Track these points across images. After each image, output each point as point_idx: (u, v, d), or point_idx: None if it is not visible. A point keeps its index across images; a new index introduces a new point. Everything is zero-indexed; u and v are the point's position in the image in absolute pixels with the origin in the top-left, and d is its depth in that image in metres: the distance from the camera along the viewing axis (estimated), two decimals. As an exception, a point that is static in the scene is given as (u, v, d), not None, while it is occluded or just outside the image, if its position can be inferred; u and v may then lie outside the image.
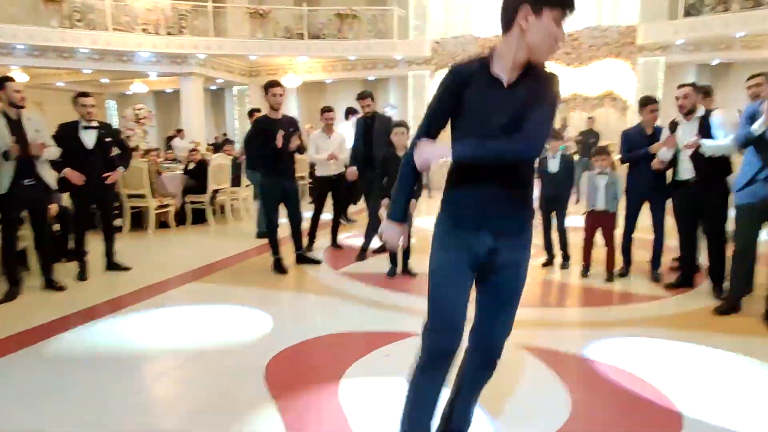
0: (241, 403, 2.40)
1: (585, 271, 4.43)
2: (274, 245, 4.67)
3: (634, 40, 11.72)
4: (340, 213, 5.75)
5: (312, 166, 5.99)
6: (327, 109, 5.63)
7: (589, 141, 9.94)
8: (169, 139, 13.06)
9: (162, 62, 12.13)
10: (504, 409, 2.32)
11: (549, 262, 4.77)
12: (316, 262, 4.96)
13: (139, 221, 6.86)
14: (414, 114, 13.45)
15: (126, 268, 4.77)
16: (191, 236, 6.70)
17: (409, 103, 13.65)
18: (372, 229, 5.20)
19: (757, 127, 3.15)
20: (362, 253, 5.09)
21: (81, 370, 2.77)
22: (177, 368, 2.86)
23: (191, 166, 7.51)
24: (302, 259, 4.93)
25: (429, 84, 13.36)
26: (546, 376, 2.63)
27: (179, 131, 12.73)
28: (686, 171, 3.83)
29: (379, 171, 4.51)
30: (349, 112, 7.46)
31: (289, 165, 4.63)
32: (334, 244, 5.63)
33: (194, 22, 12.01)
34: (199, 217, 7.39)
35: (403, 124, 4.54)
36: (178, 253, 5.67)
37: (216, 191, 7.35)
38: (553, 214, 4.66)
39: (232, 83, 14.81)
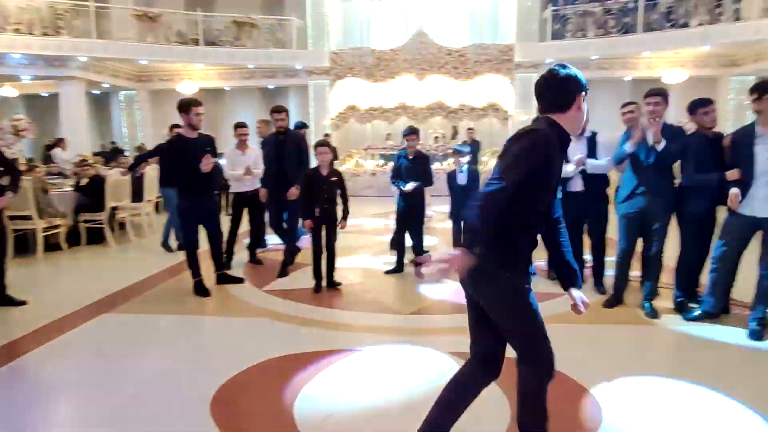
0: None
1: None
2: (195, 267, 4.44)
3: (511, 57, 12.92)
4: (257, 229, 5.63)
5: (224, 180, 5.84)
6: (241, 125, 5.42)
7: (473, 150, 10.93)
8: (48, 148, 11.71)
9: (37, 65, 10.90)
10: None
11: None
12: (239, 280, 4.80)
13: (23, 245, 6.15)
14: (315, 123, 13.53)
15: (20, 303, 4.24)
16: (90, 259, 6.14)
17: (310, 111, 13.69)
18: (291, 251, 5.23)
19: (628, 148, 3.73)
20: (283, 270, 5.05)
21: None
22: (106, 420, 2.51)
23: (84, 181, 6.91)
24: (224, 278, 4.74)
25: (329, 93, 13.51)
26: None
27: (60, 140, 11.46)
28: (577, 184, 4.38)
29: (302, 190, 4.51)
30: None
31: (206, 184, 4.45)
32: (253, 259, 5.55)
33: (73, 22, 10.94)
34: (95, 237, 6.82)
35: (326, 144, 4.54)
36: (79, 280, 5.18)
37: (115, 208, 6.84)
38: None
39: (118, 88, 13.68)
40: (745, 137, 3.39)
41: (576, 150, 4.35)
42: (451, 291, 4.40)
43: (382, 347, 3.33)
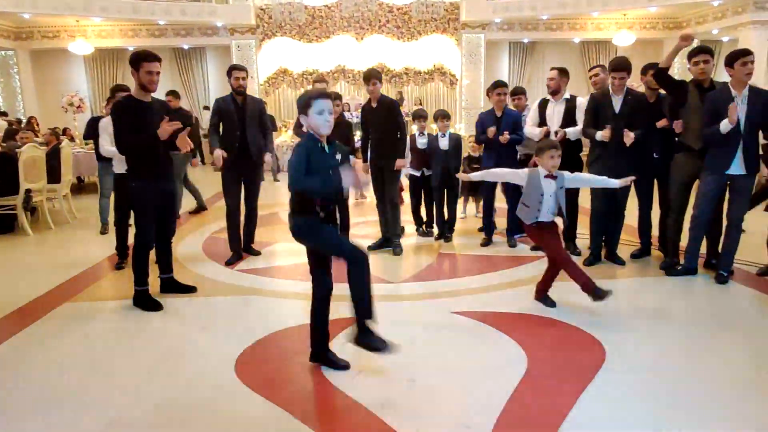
0: (216, 402, 2.67)
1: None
2: (142, 272, 3.97)
3: (458, 16, 13.62)
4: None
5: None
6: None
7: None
8: None
9: None
10: (470, 366, 3.03)
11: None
12: (190, 289, 4.33)
13: None
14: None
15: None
16: (18, 248, 6.03)
17: (233, 75, 13.56)
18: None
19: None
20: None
21: None
22: (132, 391, 2.83)
23: (-13, 160, 6.66)
24: (172, 285, 4.27)
25: (256, 55, 13.48)
26: (490, 333, 3.43)
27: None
28: None
29: None
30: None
31: (167, 161, 4.10)
32: (248, 249, 5.42)
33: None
34: (4, 225, 6.67)
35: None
36: (33, 263, 5.15)
37: (29, 191, 6.67)
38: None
39: (-10, 47, 12.77)
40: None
41: (553, 114, 5.06)
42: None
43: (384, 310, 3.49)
